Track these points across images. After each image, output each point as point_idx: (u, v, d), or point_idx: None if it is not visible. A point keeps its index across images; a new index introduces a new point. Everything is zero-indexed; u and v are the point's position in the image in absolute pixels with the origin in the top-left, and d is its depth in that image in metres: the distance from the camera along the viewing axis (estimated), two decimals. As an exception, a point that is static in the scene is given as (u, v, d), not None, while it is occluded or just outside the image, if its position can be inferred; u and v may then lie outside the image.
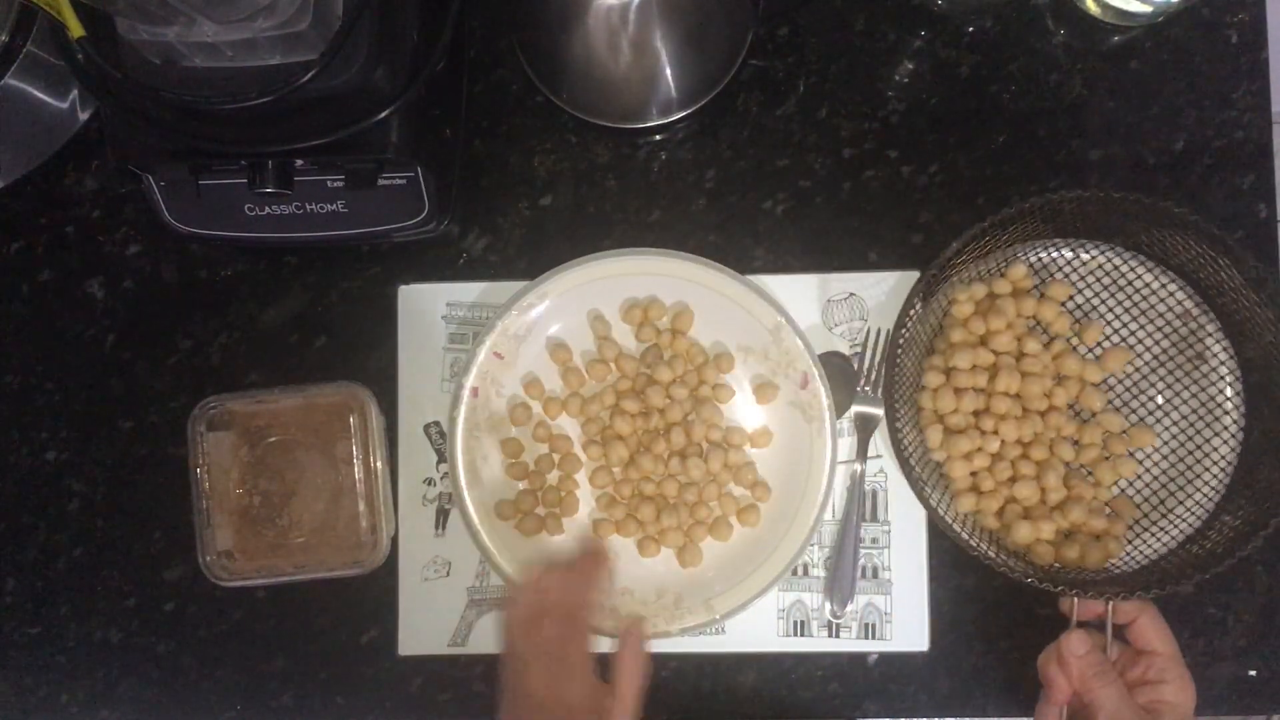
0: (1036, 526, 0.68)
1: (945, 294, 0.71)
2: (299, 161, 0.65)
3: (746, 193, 0.77)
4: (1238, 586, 0.73)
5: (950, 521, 0.67)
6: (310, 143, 0.62)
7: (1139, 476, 0.71)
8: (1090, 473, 0.71)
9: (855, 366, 0.74)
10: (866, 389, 0.74)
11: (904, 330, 0.68)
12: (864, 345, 0.74)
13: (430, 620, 0.75)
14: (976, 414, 0.70)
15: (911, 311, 0.68)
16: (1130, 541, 0.70)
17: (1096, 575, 0.68)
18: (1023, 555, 0.69)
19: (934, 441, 0.69)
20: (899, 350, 0.68)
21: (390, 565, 0.75)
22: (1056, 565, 0.69)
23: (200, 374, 0.78)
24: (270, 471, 0.75)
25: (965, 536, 0.67)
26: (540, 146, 0.78)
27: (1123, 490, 0.71)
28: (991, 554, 0.66)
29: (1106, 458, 0.71)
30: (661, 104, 0.74)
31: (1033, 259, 0.72)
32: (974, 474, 0.70)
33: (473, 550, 0.74)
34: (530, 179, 0.78)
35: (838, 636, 0.73)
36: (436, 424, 0.76)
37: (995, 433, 0.70)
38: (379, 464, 0.74)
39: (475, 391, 0.73)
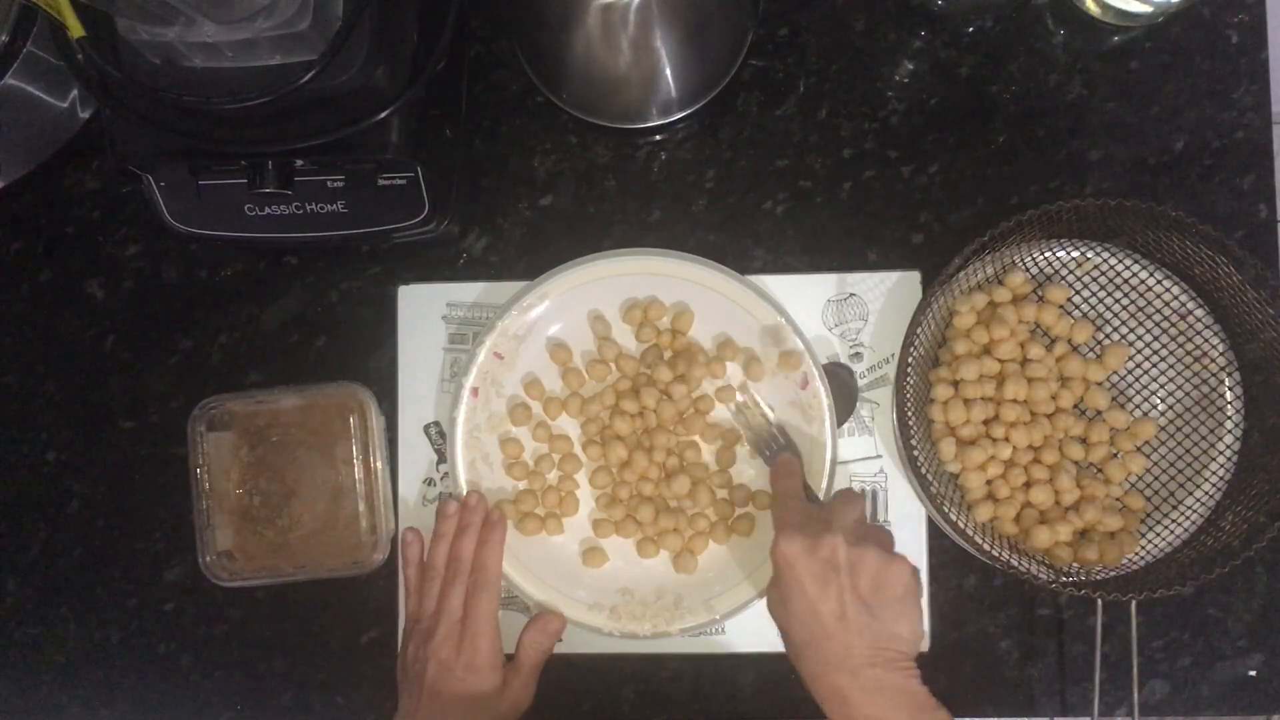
0: (1054, 529, 0.68)
1: (945, 304, 0.71)
2: (299, 161, 0.65)
3: (746, 193, 0.77)
4: (1238, 586, 0.73)
5: (972, 534, 0.67)
6: (310, 143, 0.62)
7: (1140, 478, 0.71)
8: (1100, 471, 0.71)
9: (857, 373, 0.74)
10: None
11: (911, 349, 0.68)
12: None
13: (430, 620, 0.75)
14: (986, 422, 0.70)
15: (918, 330, 0.68)
16: (1135, 541, 0.70)
17: (1103, 575, 0.68)
18: (1042, 559, 0.69)
19: (948, 454, 0.69)
20: (908, 369, 0.68)
21: (390, 565, 0.75)
22: (1076, 566, 0.69)
23: (200, 374, 0.78)
24: (270, 471, 0.75)
25: (988, 547, 0.67)
26: (540, 146, 0.78)
27: (1133, 485, 0.72)
28: (1015, 563, 0.67)
29: (1115, 455, 0.71)
30: (661, 104, 0.74)
31: (1030, 262, 0.72)
32: (989, 482, 0.70)
33: (473, 550, 0.74)
34: (530, 179, 0.78)
35: (838, 636, 0.73)
36: (436, 424, 0.76)
37: (1006, 439, 0.70)
38: (379, 464, 0.74)
39: (475, 392, 0.73)
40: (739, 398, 0.73)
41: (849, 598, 0.60)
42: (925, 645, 0.73)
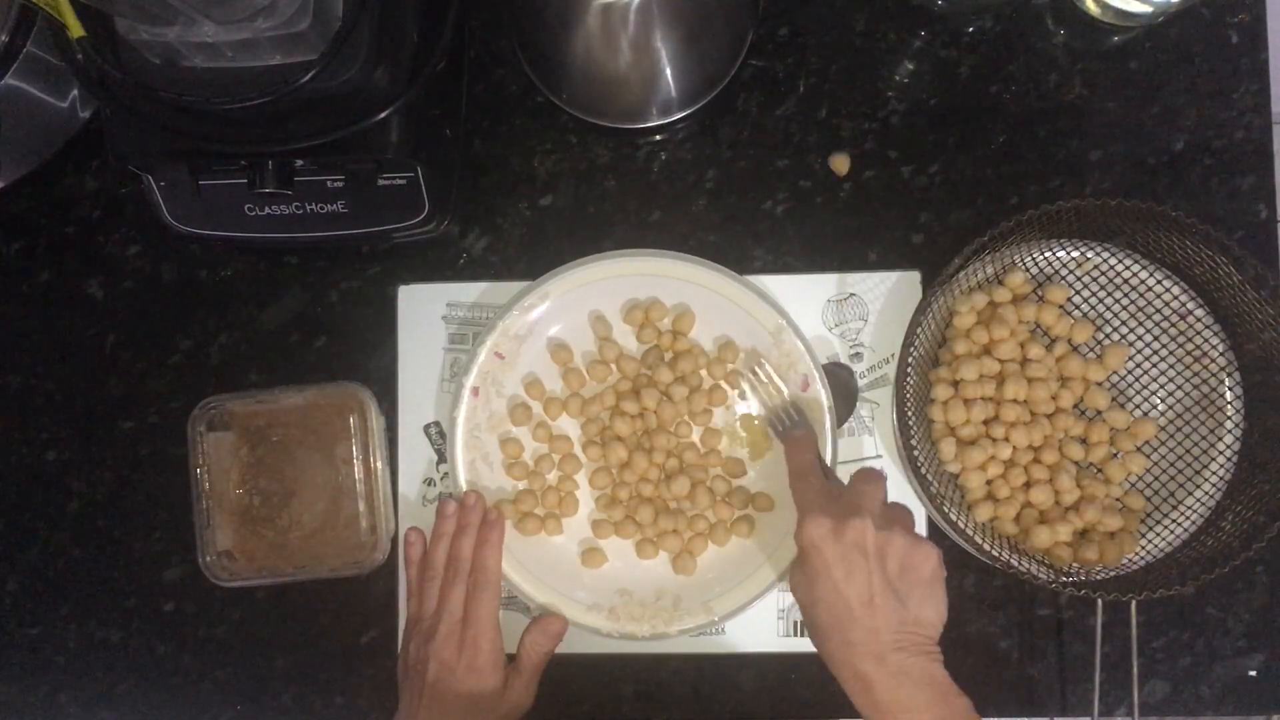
0: (1054, 529, 0.68)
1: (945, 304, 0.71)
2: (299, 161, 0.65)
3: (746, 193, 0.77)
4: (1238, 586, 0.73)
5: (972, 534, 0.67)
6: (310, 143, 0.62)
7: (1140, 478, 0.71)
8: (1100, 471, 0.71)
9: (857, 373, 0.74)
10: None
11: (911, 349, 0.68)
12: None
13: (430, 620, 0.75)
14: (986, 422, 0.70)
15: (918, 330, 0.68)
16: (1135, 541, 0.70)
17: (1103, 575, 0.68)
18: (1042, 559, 0.69)
19: (948, 454, 0.69)
20: (908, 369, 0.68)
21: (390, 565, 0.75)
22: (1076, 566, 0.69)
23: (200, 374, 0.78)
24: (270, 471, 0.75)
25: (988, 547, 0.67)
26: (540, 146, 0.78)
27: (1133, 485, 0.72)
28: (1015, 562, 0.67)
29: (1115, 455, 0.71)
30: (661, 104, 0.74)
31: (1030, 262, 0.72)
32: (989, 482, 0.70)
33: (473, 550, 0.73)
34: (530, 179, 0.78)
35: (838, 636, 0.73)
36: (436, 424, 0.76)
37: (1006, 439, 0.70)
38: (379, 464, 0.74)
39: (476, 392, 0.73)
40: (755, 370, 0.73)
41: (877, 582, 0.59)
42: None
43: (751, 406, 0.74)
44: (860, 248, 0.76)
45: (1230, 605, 0.73)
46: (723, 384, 0.74)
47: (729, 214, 0.77)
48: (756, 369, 0.73)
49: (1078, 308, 0.73)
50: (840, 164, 0.74)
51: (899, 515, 0.63)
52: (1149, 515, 0.71)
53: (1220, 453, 0.70)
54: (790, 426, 0.71)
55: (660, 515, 0.72)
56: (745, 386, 0.74)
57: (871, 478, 0.64)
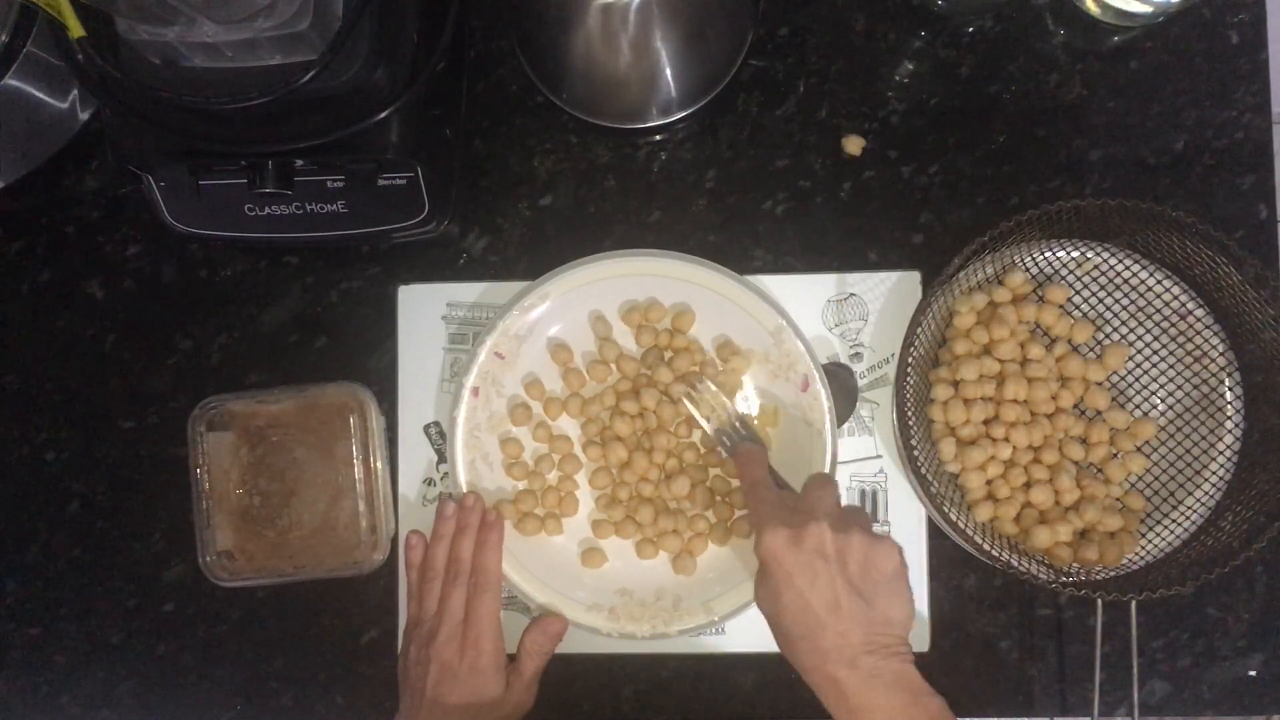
0: (1054, 529, 0.68)
1: (945, 303, 0.71)
2: (299, 161, 0.65)
3: (746, 193, 0.77)
4: (1238, 586, 0.73)
5: (972, 534, 0.67)
6: (310, 143, 0.62)
7: (1140, 478, 0.71)
8: (1100, 471, 0.71)
9: (857, 373, 0.74)
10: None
11: (911, 349, 0.68)
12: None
13: (430, 620, 0.75)
14: (986, 422, 0.70)
15: (918, 330, 0.68)
16: (1135, 541, 0.70)
17: (1103, 575, 0.68)
18: (1042, 559, 0.69)
19: (948, 454, 0.69)
20: (908, 369, 0.68)
21: (390, 565, 0.75)
22: (1076, 566, 0.69)
23: (200, 374, 0.78)
24: (270, 471, 0.75)
25: (988, 547, 0.67)
26: (540, 146, 0.78)
27: (1133, 485, 0.72)
28: (1015, 562, 0.66)
29: (1115, 455, 0.71)
30: (661, 104, 0.74)
31: (1030, 262, 0.72)
32: (989, 482, 0.70)
33: (473, 550, 0.73)
34: (530, 179, 0.78)
35: (838, 636, 0.73)
36: (436, 424, 0.76)
37: (1006, 439, 0.70)
38: (379, 464, 0.74)
39: (476, 392, 0.73)
40: (696, 387, 0.72)
41: (840, 585, 0.59)
42: (925, 645, 0.73)
43: (751, 406, 0.74)
44: (860, 248, 0.76)
45: (1230, 605, 0.73)
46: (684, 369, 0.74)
47: (729, 214, 0.77)
48: (698, 385, 0.72)
49: (1078, 308, 0.73)
50: (854, 145, 0.74)
51: (855, 516, 0.63)
52: (1149, 515, 0.71)
53: (1220, 453, 0.70)
54: (739, 441, 0.71)
55: (660, 515, 0.72)
56: (689, 405, 0.72)
57: (824, 482, 0.64)
